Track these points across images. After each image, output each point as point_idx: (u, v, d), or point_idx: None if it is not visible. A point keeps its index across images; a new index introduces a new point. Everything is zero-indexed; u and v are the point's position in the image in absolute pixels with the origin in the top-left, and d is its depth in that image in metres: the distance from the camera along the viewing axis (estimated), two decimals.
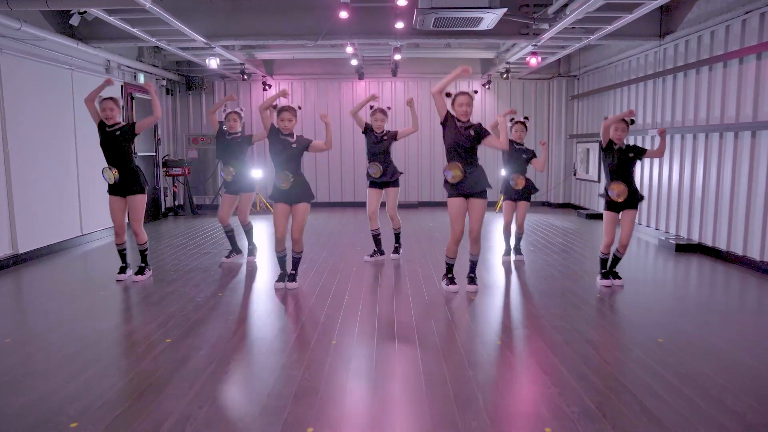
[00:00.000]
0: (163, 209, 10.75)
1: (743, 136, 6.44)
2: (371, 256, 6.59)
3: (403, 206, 12.22)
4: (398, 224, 6.60)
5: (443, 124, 5.11)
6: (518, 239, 6.68)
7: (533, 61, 8.20)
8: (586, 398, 2.99)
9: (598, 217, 10.40)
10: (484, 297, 5.07)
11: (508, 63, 10.04)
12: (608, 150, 5.43)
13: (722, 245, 6.80)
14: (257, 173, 11.69)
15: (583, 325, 4.21)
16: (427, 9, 6.54)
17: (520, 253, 6.71)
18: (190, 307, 4.69)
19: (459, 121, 5.03)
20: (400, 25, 7.34)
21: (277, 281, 5.32)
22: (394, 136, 6.56)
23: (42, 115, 7.06)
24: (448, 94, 5.10)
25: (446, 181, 5.09)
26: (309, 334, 4.05)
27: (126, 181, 5.52)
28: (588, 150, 11.25)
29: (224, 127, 6.38)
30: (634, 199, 5.27)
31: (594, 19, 6.96)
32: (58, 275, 6.14)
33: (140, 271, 5.72)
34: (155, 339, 3.93)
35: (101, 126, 5.52)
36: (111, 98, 5.59)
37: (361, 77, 11.74)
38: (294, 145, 5.14)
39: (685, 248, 7.22)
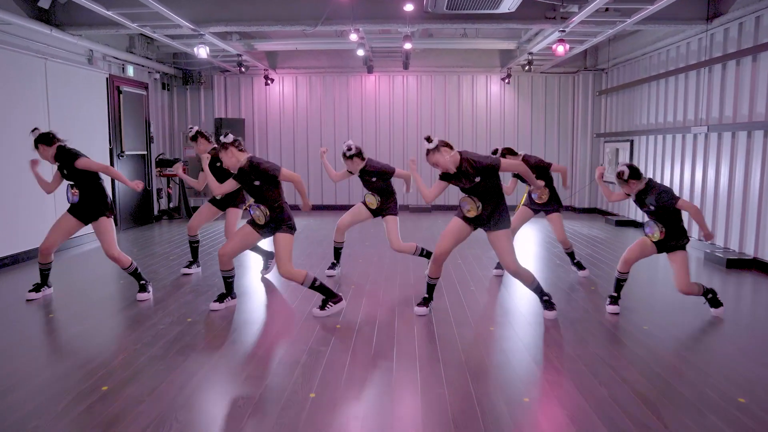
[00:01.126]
0: (156, 212, 10.02)
1: None
2: (330, 268, 5.78)
3: (415, 210, 11.36)
4: (412, 249, 5.64)
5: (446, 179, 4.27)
6: (571, 255, 5.83)
7: (560, 49, 7.26)
8: None
9: (630, 224, 9.44)
10: (505, 328, 4.18)
11: (530, 54, 9.11)
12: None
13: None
14: None
15: (635, 375, 3.27)
16: None
17: (583, 267, 5.84)
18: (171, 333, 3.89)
19: (450, 174, 4.14)
20: (409, 7, 6.49)
21: (217, 301, 4.52)
22: (386, 175, 5.56)
23: (10, 108, 6.33)
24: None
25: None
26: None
27: (86, 204, 4.68)
28: (617, 150, 10.26)
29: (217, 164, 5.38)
30: (672, 244, 4.36)
31: None
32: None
33: (143, 288, 4.87)
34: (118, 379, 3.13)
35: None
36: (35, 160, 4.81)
37: (370, 71, 10.90)
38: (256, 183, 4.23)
39: (737, 264, 6.25)
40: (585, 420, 2.70)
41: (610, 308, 4.50)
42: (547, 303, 4.34)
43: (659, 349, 3.73)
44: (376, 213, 5.56)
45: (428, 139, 4.10)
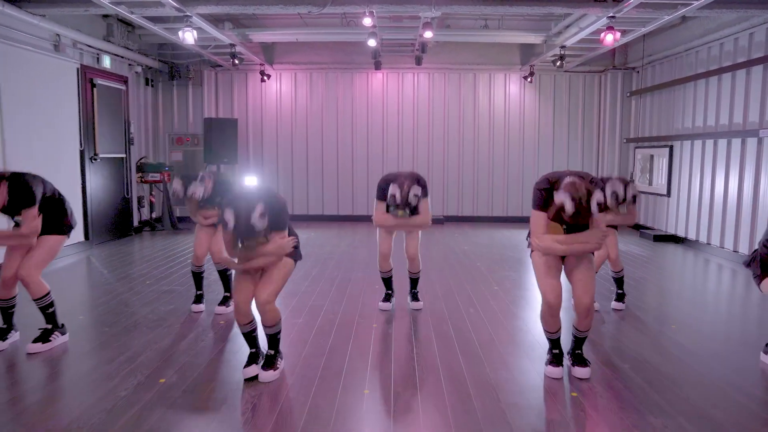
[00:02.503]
0: (136, 223, 8.87)
1: None
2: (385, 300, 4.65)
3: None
4: (418, 267, 4.61)
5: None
6: (618, 282, 4.73)
7: (609, 38, 6.20)
8: None
9: (668, 239, 8.42)
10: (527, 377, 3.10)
11: (562, 47, 8.06)
12: None
13: None
14: (251, 181, 9.82)
15: None
16: None
17: (622, 300, 4.72)
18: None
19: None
20: None
21: (247, 366, 3.26)
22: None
23: None
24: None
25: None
26: None
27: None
28: (651, 157, 9.25)
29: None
30: None
31: None
32: None
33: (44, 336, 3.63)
34: None
35: None
36: None
37: (377, 67, 9.81)
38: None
39: None
40: None
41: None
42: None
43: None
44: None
45: None
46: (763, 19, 6.33)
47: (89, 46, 7.42)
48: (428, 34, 7.00)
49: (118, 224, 8.17)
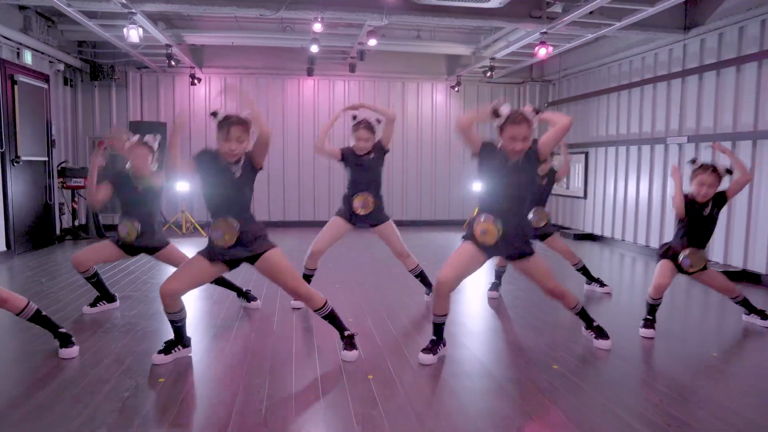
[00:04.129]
0: (58, 232, 8.26)
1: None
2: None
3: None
4: (414, 263, 4.79)
5: (479, 155, 3.41)
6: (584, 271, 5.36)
7: (542, 51, 6.78)
8: None
9: (586, 237, 9.22)
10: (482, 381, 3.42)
11: (492, 59, 8.61)
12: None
13: (760, 268, 5.68)
14: (182, 186, 9.51)
15: None
16: None
17: (605, 284, 5.39)
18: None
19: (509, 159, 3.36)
20: None
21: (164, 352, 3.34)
22: (382, 149, 4.63)
23: None
24: (495, 114, 3.34)
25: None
26: None
27: None
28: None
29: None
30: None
31: None
32: None
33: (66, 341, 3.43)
34: None
35: None
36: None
37: (310, 73, 9.91)
38: (237, 174, 3.20)
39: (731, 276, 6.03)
40: None
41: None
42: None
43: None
44: (364, 220, 4.58)
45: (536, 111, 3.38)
46: (666, 42, 7.20)
47: (8, 39, 6.88)
48: (372, 42, 7.23)
49: (39, 232, 7.58)
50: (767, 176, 5.89)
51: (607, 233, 8.83)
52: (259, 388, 2.98)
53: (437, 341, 3.45)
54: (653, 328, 3.97)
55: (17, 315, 3.30)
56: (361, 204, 4.50)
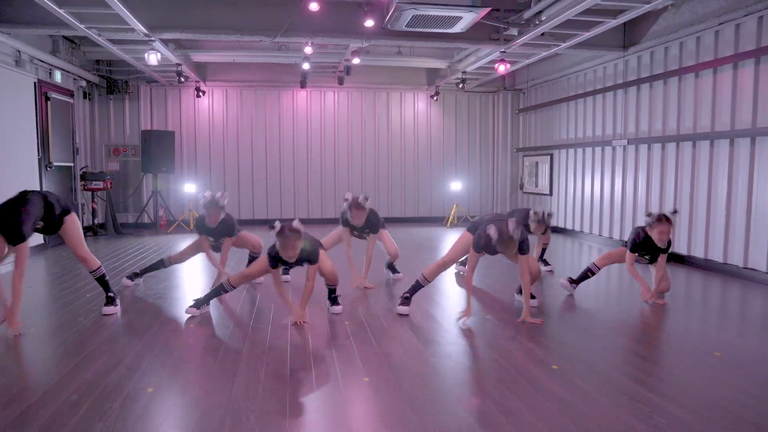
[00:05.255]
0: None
1: (719, 144, 6.47)
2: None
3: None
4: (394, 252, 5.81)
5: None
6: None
7: (502, 68, 7.91)
8: None
9: (553, 230, 10.30)
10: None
11: (464, 73, 9.75)
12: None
13: (697, 253, 6.78)
14: (189, 188, 10.58)
15: None
16: (407, 3, 6.01)
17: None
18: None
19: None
20: (369, 23, 6.76)
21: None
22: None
23: None
24: None
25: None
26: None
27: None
28: (537, 163, 11.21)
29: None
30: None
31: (571, 24, 6.77)
32: None
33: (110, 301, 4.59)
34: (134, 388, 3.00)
35: None
36: None
37: (303, 86, 11.00)
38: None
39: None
40: None
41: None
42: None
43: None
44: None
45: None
46: (611, 58, 8.33)
47: (42, 61, 7.95)
48: (356, 60, 8.34)
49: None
50: (721, 174, 7.01)
51: (570, 226, 9.94)
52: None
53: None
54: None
55: (90, 272, 4.45)
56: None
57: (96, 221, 9.80)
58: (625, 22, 7.59)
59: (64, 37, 8.57)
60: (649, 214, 4.91)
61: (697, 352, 3.69)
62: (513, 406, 2.82)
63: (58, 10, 5.73)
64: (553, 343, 3.88)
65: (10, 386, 3.07)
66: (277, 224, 4.05)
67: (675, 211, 4.91)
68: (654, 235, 4.79)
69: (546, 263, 6.55)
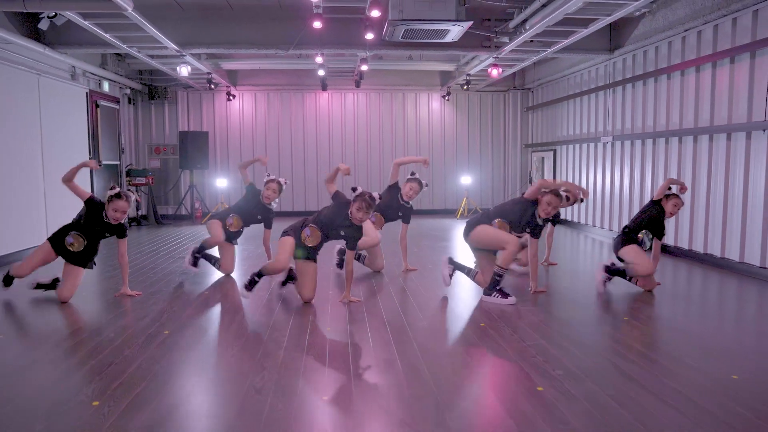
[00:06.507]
0: (126, 219, 10.59)
1: (701, 140, 7.07)
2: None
3: None
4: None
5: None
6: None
7: (494, 72, 8.67)
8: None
9: (563, 223, 10.94)
10: None
11: (468, 75, 10.52)
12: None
13: (683, 245, 7.39)
14: (222, 182, 11.72)
15: None
16: (397, 21, 6.85)
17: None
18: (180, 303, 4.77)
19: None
20: (370, 36, 7.63)
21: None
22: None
23: (7, 120, 6.93)
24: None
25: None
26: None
27: (84, 255, 5.05)
28: (543, 158, 11.85)
29: (261, 196, 6.02)
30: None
31: (551, 33, 7.47)
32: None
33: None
34: (153, 332, 4.01)
35: (94, 206, 5.00)
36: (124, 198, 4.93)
37: (324, 88, 11.98)
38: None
39: None
40: None
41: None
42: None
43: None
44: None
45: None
46: (600, 60, 8.94)
47: (93, 73, 9.19)
48: (364, 67, 9.25)
49: None
50: (703, 169, 7.62)
51: (574, 219, 10.56)
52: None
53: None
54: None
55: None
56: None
57: (139, 213, 11.07)
58: (611, 26, 8.28)
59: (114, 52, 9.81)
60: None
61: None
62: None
63: (104, 34, 6.88)
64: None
65: (72, 324, 4.17)
66: (359, 188, 4.65)
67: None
68: (668, 207, 5.32)
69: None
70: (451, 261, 5.33)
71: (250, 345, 3.79)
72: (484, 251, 5.10)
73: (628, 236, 5.35)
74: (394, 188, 6.51)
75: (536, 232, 5.04)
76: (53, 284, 5.15)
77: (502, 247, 4.85)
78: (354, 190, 4.66)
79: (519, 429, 2.56)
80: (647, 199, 7.93)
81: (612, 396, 2.92)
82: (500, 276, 4.87)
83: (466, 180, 12.37)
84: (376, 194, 4.67)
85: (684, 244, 7.16)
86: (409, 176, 6.56)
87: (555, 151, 11.23)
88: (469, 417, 2.74)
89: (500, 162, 13.05)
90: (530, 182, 12.53)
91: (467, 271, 5.23)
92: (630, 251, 5.24)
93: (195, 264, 6.03)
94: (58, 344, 3.82)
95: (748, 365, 3.41)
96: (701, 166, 6.87)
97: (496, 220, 5.03)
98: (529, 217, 5.00)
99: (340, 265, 6.19)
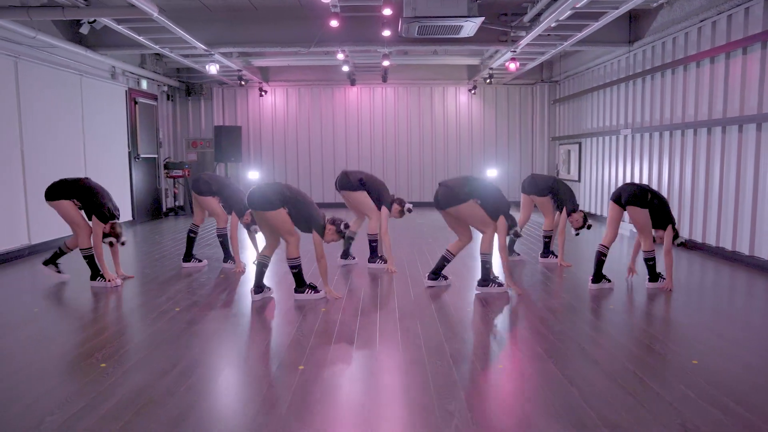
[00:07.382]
0: (164, 209, 11.25)
1: (714, 132, 7.03)
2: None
3: None
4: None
5: None
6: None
7: (512, 66, 8.77)
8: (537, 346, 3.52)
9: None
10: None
11: (491, 69, 10.62)
12: None
13: (699, 239, 7.36)
14: (254, 175, 12.23)
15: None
16: (411, 18, 7.09)
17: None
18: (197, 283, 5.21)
19: None
20: (386, 33, 7.88)
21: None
22: None
23: (54, 118, 7.57)
24: None
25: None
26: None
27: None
28: (569, 151, 11.82)
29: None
30: None
31: (566, 27, 7.53)
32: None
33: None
34: (166, 308, 4.44)
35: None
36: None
37: (353, 83, 12.31)
38: None
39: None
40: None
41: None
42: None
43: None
44: None
45: None
46: (621, 52, 8.90)
47: (132, 72, 9.82)
48: (386, 63, 9.52)
49: (152, 209, 10.56)
50: (716, 161, 7.57)
51: (597, 211, 10.53)
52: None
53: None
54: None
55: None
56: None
57: (176, 203, 11.72)
58: (630, 18, 8.26)
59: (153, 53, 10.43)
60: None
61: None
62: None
63: (138, 37, 7.41)
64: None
65: (97, 300, 4.67)
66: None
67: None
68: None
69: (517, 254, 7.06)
70: (430, 277, 5.32)
71: (256, 322, 4.17)
72: (460, 223, 5.11)
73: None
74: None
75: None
76: (59, 253, 5.57)
77: (482, 230, 4.97)
78: (346, 226, 4.93)
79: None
80: (664, 193, 7.94)
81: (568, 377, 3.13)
82: (488, 263, 5.00)
83: (492, 173, 12.48)
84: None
85: (698, 238, 7.14)
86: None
87: (580, 144, 11.19)
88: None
89: (528, 155, 13.07)
90: (557, 174, 12.51)
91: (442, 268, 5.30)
92: (643, 216, 5.23)
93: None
94: (82, 316, 4.31)
95: (709, 352, 3.53)
96: (714, 158, 6.83)
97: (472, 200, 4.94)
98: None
99: (344, 255, 6.46)
